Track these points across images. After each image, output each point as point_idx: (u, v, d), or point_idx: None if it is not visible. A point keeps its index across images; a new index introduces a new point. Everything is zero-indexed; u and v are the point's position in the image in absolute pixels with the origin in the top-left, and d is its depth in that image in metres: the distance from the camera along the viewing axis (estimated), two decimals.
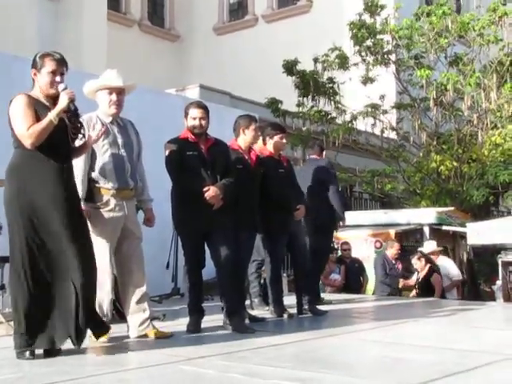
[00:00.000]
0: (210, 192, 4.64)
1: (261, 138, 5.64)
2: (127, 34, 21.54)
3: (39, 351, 3.67)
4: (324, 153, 7.02)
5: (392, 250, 8.91)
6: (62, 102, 3.78)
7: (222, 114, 8.88)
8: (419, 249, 9.36)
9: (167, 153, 4.76)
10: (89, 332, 4.02)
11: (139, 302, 4.41)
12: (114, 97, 4.43)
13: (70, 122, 3.90)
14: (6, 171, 3.82)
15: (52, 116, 3.74)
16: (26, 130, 3.69)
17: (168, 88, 11.98)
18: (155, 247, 7.46)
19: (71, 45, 17.45)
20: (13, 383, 3.04)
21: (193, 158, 4.73)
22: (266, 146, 5.73)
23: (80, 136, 3.99)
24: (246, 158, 5.33)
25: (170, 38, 23.42)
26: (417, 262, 8.76)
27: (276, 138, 5.70)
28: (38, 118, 3.75)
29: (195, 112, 4.81)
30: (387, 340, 4.51)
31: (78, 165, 4.20)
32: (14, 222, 3.73)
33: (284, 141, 5.77)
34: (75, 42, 17.69)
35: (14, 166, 3.80)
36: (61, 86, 3.86)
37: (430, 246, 9.37)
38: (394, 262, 8.87)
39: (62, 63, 3.90)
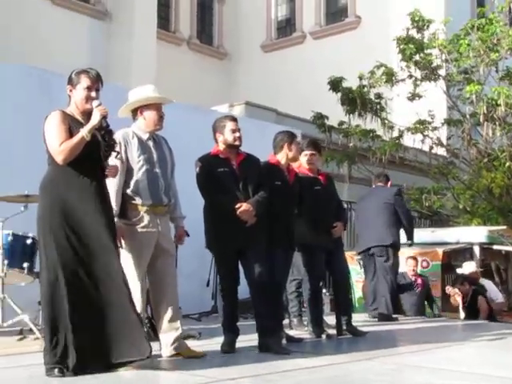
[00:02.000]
0: (243, 208, 4.56)
1: None
2: (176, 52, 21.80)
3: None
4: (390, 183, 7.75)
5: (407, 267, 8.35)
6: (95, 119, 3.77)
7: (267, 130, 8.83)
8: (458, 270, 8.95)
9: (198, 170, 4.70)
10: None
11: (172, 320, 4.34)
12: (159, 112, 4.41)
13: (104, 139, 3.88)
14: (40, 186, 3.83)
15: (84, 132, 3.73)
16: (59, 146, 3.69)
17: (216, 105, 12.02)
18: (195, 264, 7.45)
19: (121, 63, 17.81)
20: None
21: (224, 175, 4.66)
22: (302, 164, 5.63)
23: (114, 154, 3.98)
24: (285, 174, 5.24)
25: (218, 56, 23.61)
26: (460, 287, 8.38)
27: (302, 154, 5.57)
28: (71, 135, 3.76)
29: (234, 124, 4.74)
30: (429, 365, 4.31)
31: (113, 181, 4.18)
32: (46, 238, 3.71)
33: (315, 158, 5.62)
34: (125, 60, 18.04)
35: (46, 181, 3.81)
36: (95, 103, 3.86)
37: (469, 266, 8.87)
38: (413, 278, 8.34)
39: (97, 79, 3.90)
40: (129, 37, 18.51)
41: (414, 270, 8.34)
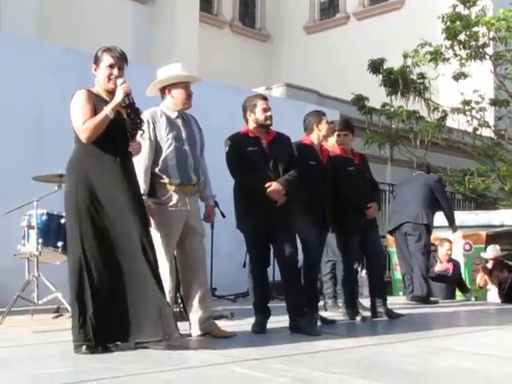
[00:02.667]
0: (272, 188, 4.49)
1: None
2: (218, 34, 21.77)
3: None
4: (431, 173, 7.96)
5: (442, 250, 8.11)
6: (118, 96, 3.75)
7: (306, 111, 8.73)
8: (482, 254, 8.58)
9: (227, 149, 4.64)
10: None
11: (201, 300, 4.33)
12: (188, 91, 4.37)
13: (129, 117, 3.86)
14: (67, 165, 3.84)
15: (107, 110, 3.72)
16: (82, 124, 3.69)
17: (258, 87, 11.94)
18: (232, 245, 7.42)
19: (164, 47, 17.84)
20: (57, 377, 3.02)
21: (254, 154, 4.59)
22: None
23: (140, 132, 3.96)
24: (319, 154, 5.15)
25: (260, 38, 23.47)
26: (499, 274, 8.13)
27: (334, 135, 5.47)
28: (96, 113, 3.75)
29: (265, 103, 4.68)
30: (463, 348, 4.18)
31: (141, 159, 4.16)
32: (72, 216, 3.73)
33: (348, 137, 5.51)
34: (168, 43, 18.05)
35: (72, 160, 3.81)
36: (119, 81, 3.83)
37: (492, 250, 8.48)
38: (446, 263, 8.12)
39: (121, 58, 3.87)
40: (171, 20, 18.52)
41: (447, 254, 8.12)
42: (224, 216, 6.22)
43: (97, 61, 3.85)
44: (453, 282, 8.23)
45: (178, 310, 5.08)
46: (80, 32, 16.02)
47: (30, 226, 5.15)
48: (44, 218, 5.19)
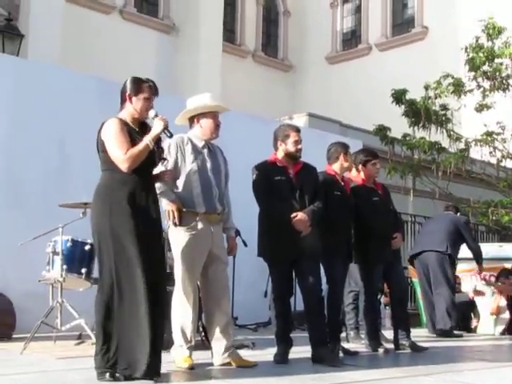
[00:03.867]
0: (298, 218, 4.50)
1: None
2: (241, 64, 21.97)
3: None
4: (458, 213, 7.93)
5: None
6: (158, 128, 3.82)
7: (329, 141, 8.75)
8: (506, 265, 8.54)
9: (255, 177, 4.68)
10: (173, 356, 3.99)
11: (223, 328, 4.33)
12: (216, 121, 4.43)
13: (156, 147, 3.92)
14: (95, 193, 3.87)
15: (148, 140, 3.79)
16: (124, 154, 3.73)
17: (280, 117, 12.01)
18: (254, 274, 7.42)
19: (187, 76, 18.07)
20: None
21: (281, 183, 4.62)
22: (359, 174, 5.54)
23: (163, 161, 4.02)
24: (342, 184, 5.17)
25: (283, 68, 23.66)
26: (504, 281, 8.03)
27: (369, 164, 5.49)
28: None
29: (297, 135, 4.73)
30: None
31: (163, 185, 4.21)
32: (104, 244, 3.76)
33: (377, 166, 5.55)
34: (191, 73, 18.28)
35: (104, 188, 3.83)
36: (152, 112, 3.91)
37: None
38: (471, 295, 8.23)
39: (155, 90, 3.96)
40: (195, 50, 18.77)
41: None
42: (246, 245, 6.24)
43: (133, 90, 3.89)
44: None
45: (199, 338, 5.07)
46: (104, 60, 16.29)
47: (54, 252, 5.19)
48: (69, 244, 5.24)
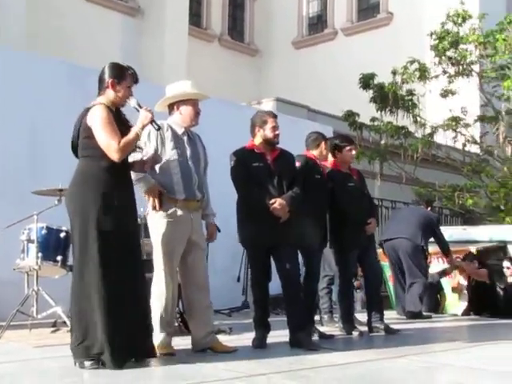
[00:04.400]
0: (277, 204, 4.54)
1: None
2: (207, 48, 21.84)
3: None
4: (430, 208, 8.03)
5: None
6: (145, 118, 3.82)
7: (299, 126, 8.82)
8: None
9: (232, 164, 4.70)
10: (156, 343, 4.01)
11: (203, 314, 4.36)
12: (196, 108, 4.42)
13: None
14: (77, 180, 3.82)
15: (138, 130, 3.80)
16: (117, 144, 3.71)
17: (247, 101, 12.00)
18: (227, 260, 7.47)
19: (153, 60, 17.89)
20: None
21: (259, 170, 4.65)
22: (333, 160, 5.60)
23: (138, 150, 4.02)
24: (322, 169, 5.25)
25: (249, 53, 23.60)
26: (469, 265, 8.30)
27: (344, 150, 5.56)
28: None
29: (275, 121, 4.75)
30: (461, 364, 4.23)
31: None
32: (81, 233, 3.73)
33: (353, 152, 5.62)
34: (157, 57, 18.10)
35: (89, 175, 3.79)
36: (133, 101, 3.89)
37: None
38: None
39: (136, 78, 3.97)
40: (161, 33, 18.58)
41: None
42: (219, 230, 6.24)
43: (119, 78, 3.87)
44: None
45: (176, 324, 5.09)
46: (69, 43, 16.03)
47: (29, 240, 5.14)
48: (44, 231, 5.18)
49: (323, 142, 5.24)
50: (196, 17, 21.72)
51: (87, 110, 3.84)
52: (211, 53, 21.74)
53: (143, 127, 3.84)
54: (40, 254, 5.10)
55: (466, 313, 8.16)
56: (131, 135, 3.77)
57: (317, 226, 5.13)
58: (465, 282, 8.55)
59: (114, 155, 3.72)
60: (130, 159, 4.00)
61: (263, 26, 23.40)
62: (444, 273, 8.32)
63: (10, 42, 11.19)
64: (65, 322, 5.20)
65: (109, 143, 3.72)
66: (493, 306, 8.15)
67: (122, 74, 3.88)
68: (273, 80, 22.21)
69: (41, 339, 4.83)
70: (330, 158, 5.58)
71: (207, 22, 22.38)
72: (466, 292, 8.50)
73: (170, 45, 18.49)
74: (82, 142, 3.83)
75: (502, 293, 8.35)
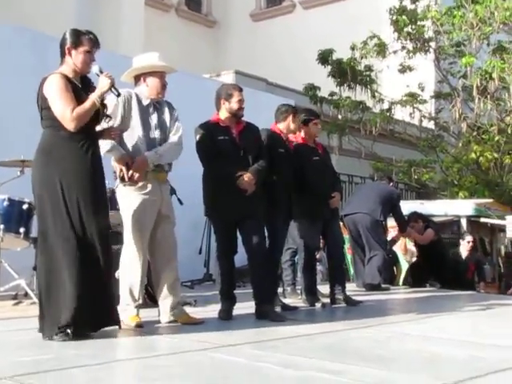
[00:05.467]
0: (243, 177, 4.55)
1: None
2: (164, 18, 21.49)
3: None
4: (391, 183, 8.27)
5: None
6: (104, 85, 3.75)
7: (259, 99, 8.82)
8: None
9: (198, 138, 4.68)
10: (122, 316, 4.00)
11: (171, 287, 4.36)
12: (163, 81, 4.37)
13: (102, 104, 3.84)
14: (39, 151, 3.76)
15: (95, 98, 3.72)
16: (71, 113, 3.63)
17: (204, 73, 11.88)
18: (189, 232, 7.45)
19: (109, 29, 17.46)
20: (44, 363, 3.00)
21: (224, 143, 4.65)
22: (300, 133, 5.63)
23: (106, 118, 3.94)
24: (287, 143, 5.26)
25: (206, 24, 23.32)
26: (414, 225, 8.45)
27: (310, 123, 5.59)
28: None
29: (240, 95, 4.74)
30: (423, 333, 4.38)
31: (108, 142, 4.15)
32: (43, 205, 3.68)
33: (319, 126, 5.65)
34: (113, 27, 17.70)
35: (49, 146, 3.73)
36: (95, 67, 3.82)
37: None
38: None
39: (96, 43, 3.87)
40: (117, 3, 18.18)
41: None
42: (182, 203, 6.24)
43: (72, 43, 3.77)
44: None
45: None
46: (22, 16, 15.53)
47: None
48: (5, 203, 5.09)
49: (291, 116, 5.24)
50: None
51: (44, 80, 3.76)
52: (168, 23, 21.41)
53: (102, 94, 3.75)
54: (2, 226, 5.01)
55: (404, 282, 8.43)
56: (87, 103, 3.70)
57: (281, 199, 5.14)
58: (413, 248, 8.79)
59: (69, 124, 3.65)
60: (98, 128, 3.94)
61: None
62: (393, 241, 8.52)
63: None
64: (26, 294, 5.15)
65: (63, 113, 3.65)
66: (441, 277, 8.42)
67: (78, 40, 3.78)
68: (230, 52, 22.03)
69: (4, 312, 4.76)
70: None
71: None
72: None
73: (127, 14, 18.11)
74: (42, 113, 3.77)
75: (452, 265, 8.63)
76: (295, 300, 5.86)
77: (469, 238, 8.92)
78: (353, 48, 12.65)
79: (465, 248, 8.86)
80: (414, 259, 8.92)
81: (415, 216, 8.59)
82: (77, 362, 3.06)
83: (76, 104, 3.66)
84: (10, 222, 5.06)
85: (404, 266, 9.14)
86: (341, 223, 8.18)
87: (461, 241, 9.10)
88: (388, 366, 3.27)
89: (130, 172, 4.14)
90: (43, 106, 3.74)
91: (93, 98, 3.72)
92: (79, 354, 3.24)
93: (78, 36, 3.81)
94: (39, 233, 3.78)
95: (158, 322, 4.34)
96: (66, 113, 3.64)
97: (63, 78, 3.72)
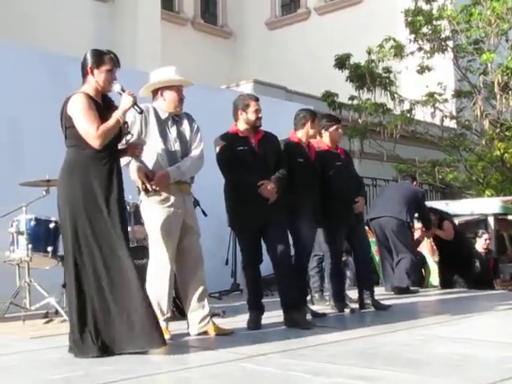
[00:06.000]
0: (265, 186, 4.56)
1: None
2: (181, 32, 21.68)
3: None
4: (415, 182, 8.17)
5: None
6: (127, 103, 3.80)
7: (277, 107, 8.81)
8: None
9: (218, 149, 4.70)
10: None
11: (199, 298, 4.37)
12: (180, 94, 4.41)
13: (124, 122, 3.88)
14: (62, 170, 3.81)
15: (119, 115, 3.77)
16: (96, 131, 3.68)
17: (222, 84, 11.95)
18: (214, 243, 7.46)
19: (126, 45, 17.68)
20: (75, 380, 3.03)
21: (244, 153, 4.67)
22: (322, 139, 5.62)
23: (128, 135, 3.99)
24: (307, 151, 5.25)
25: (223, 35, 23.47)
26: None
27: (331, 129, 5.58)
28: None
29: (257, 104, 4.75)
30: (454, 335, 4.33)
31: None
32: (67, 224, 3.71)
33: (340, 131, 5.64)
34: (130, 42, 17.92)
35: (74, 164, 3.77)
36: (117, 86, 3.87)
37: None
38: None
39: (117, 62, 3.93)
40: (133, 18, 18.38)
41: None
42: (206, 215, 6.24)
43: (94, 62, 3.83)
44: None
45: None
46: (39, 31, 15.79)
47: (18, 232, 5.10)
48: (32, 223, 5.14)
49: (309, 121, 5.20)
50: (168, 0, 21.50)
51: (67, 99, 3.82)
52: (184, 36, 21.59)
53: (124, 112, 3.80)
54: (30, 246, 5.07)
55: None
56: (111, 121, 3.74)
57: (303, 207, 5.11)
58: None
59: (94, 142, 3.70)
60: (120, 146, 3.99)
61: (236, 8, 23.28)
62: (418, 242, 8.44)
63: None
64: (57, 312, 5.20)
65: (88, 131, 3.70)
66: (467, 274, 8.32)
67: (100, 59, 3.84)
68: (247, 62, 22.15)
69: (36, 330, 4.80)
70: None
71: (179, 6, 22.20)
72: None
73: (143, 30, 18.33)
74: (67, 131, 3.82)
75: (478, 265, 8.53)
76: (323, 306, 5.84)
77: (486, 235, 8.84)
78: (369, 52, 12.64)
79: (481, 245, 8.79)
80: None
81: (433, 211, 8.45)
82: (107, 377, 3.08)
83: (100, 122, 3.71)
84: (38, 241, 5.12)
85: (432, 267, 9.06)
86: (366, 227, 8.20)
87: (477, 238, 9.01)
88: (420, 370, 3.24)
89: (152, 184, 4.17)
90: (67, 125, 3.79)
91: (116, 115, 3.78)
92: (109, 370, 3.26)
93: (99, 56, 3.87)
94: (64, 251, 3.83)
95: (188, 334, 4.35)
96: (91, 131, 3.69)
97: (87, 97, 3.77)
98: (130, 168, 4.21)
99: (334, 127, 5.58)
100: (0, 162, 6.05)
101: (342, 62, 12.56)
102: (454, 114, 13.44)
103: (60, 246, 5.04)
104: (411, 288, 7.39)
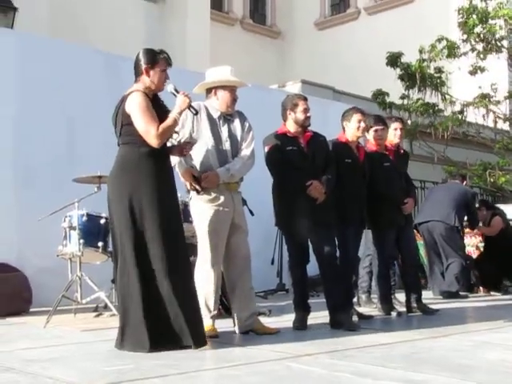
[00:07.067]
0: (313, 186, 4.56)
1: None
2: (229, 32, 21.80)
3: None
4: (465, 182, 8.13)
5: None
6: (183, 104, 3.86)
7: (326, 108, 8.78)
8: None
9: (267, 149, 4.71)
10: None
11: (245, 297, 4.40)
12: (233, 95, 4.44)
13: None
14: (114, 167, 3.87)
15: (175, 115, 3.83)
16: (156, 130, 3.74)
17: (270, 84, 11.95)
18: (260, 243, 7.48)
19: (176, 45, 17.85)
20: (127, 373, 3.09)
21: (293, 153, 4.67)
22: (369, 140, 5.57)
23: (174, 135, 4.06)
24: (355, 151, 5.20)
25: (271, 35, 23.50)
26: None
27: (379, 130, 5.50)
28: None
29: (306, 104, 4.74)
30: (506, 342, 4.22)
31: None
32: (118, 220, 3.78)
33: (381, 133, 5.53)
34: (180, 42, 18.10)
35: (125, 162, 3.83)
36: (170, 86, 3.92)
37: None
38: None
39: (169, 62, 3.99)
40: (182, 18, 18.56)
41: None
42: (253, 214, 6.29)
43: (150, 62, 3.89)
44: None
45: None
46: (91, 31, 16.08)
47: (71, 227, 5.22)
48: (84, 218, 5.26)
49: (353, 120, 5.13)
50: (217, 0, 21.65)
51: (125, 97, 3.87)
52: (233, 36, 21.70)
53: (181, 112, 3.88)
54: (82, 241, 5.18)
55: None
56: (169, 121, 3.81)
57: (351, 209, 5.08)
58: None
59: (154, 141, 3.76)
60: (168, 144, 4.04)
61: (285, 8, 23.27)
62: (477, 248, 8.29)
63: (31, 31, 11.20)
64: (106, 306, 5.31)
65: (147, 129, 3.75)
66: None
67: (155, 59, 3.90)
68: (296, 62, 22.11)
69: (86, 323, 4.94)
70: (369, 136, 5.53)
71: (229, 6, 22.31)
72: None
73: (193, 30, 18.49)
74: (123, 129, 3.86)
75: None
76: (370, 309, 5.79)
77: None
78: (421, 51, 12.44)
79: None
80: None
81: (480, 204, 8.28)
82: (157, 372, 3.13)
83: (158, 121, 3.77)
84: (89, 236, 5.23)
85: None
86: (415, 230, 8.08)
87: None
88: (470, 376, 3.18)
89: (201, 185, 4.22)
90: (124, 122, 3.84)
91: (173, 115, 3.84)
92: (159, 364, 3.31)
93: (153, 56, 3.92)
94: (113, 247, 3.90)
95: (234, 332, 4.39)
96: (151, 130, 3.75)
97: (145, 96, 3.83)
98: (177, 169, 4.25)
99: (381, 128, 5.50)
100: (56, 160, 6.22)
101: (393, 61, 12.39)
102: (508, 115, 13.12)
103: (110, 242, 5.14)
104: (461, 293, 7.27)
